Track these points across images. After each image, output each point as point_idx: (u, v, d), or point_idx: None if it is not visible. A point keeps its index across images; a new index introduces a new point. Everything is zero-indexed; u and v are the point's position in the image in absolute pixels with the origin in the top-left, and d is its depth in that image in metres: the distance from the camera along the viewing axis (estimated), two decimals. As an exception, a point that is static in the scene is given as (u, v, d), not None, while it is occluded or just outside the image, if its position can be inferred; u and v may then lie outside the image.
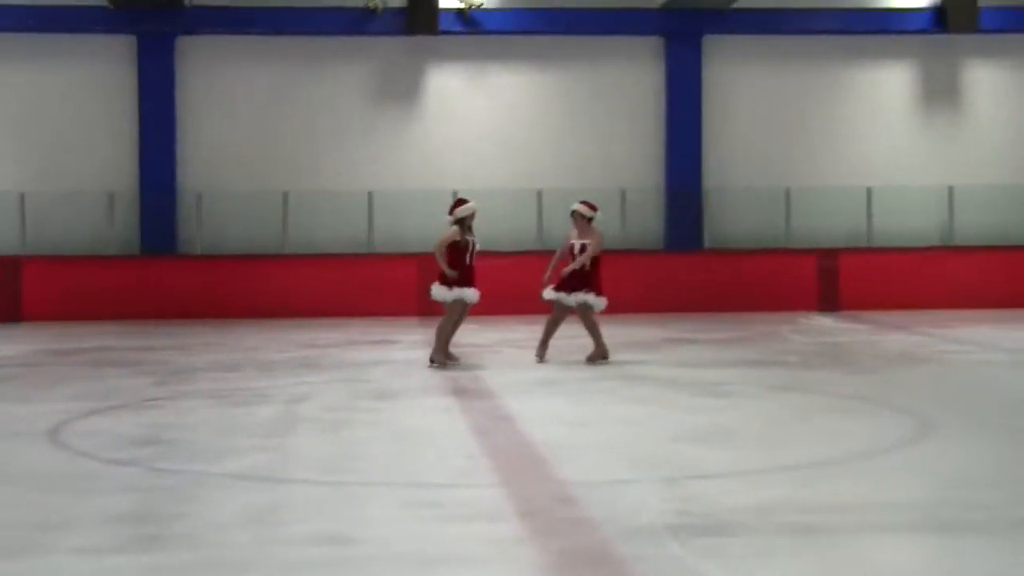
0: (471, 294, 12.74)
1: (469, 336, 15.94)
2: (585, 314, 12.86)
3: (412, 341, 15.61)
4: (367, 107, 21.45)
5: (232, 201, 20.90)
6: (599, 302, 12.88)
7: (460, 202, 12.87)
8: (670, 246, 21.38)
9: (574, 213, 13.04)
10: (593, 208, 13.02)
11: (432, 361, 12.77)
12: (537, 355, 13.09)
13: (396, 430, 9.12)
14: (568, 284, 12.87)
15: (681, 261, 20.73)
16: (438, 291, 12.69)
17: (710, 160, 21.71)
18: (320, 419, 9.56)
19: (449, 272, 12.56)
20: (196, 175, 21.04)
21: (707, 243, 21.43)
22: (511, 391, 11.05)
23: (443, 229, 12.79)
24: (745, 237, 21.50)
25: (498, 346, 14.61)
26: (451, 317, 12.74)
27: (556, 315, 13.05)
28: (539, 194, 20.81)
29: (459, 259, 12.64)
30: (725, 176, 21.75)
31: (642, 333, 16.55)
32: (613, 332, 16.44)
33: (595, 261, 12.88)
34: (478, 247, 12.89)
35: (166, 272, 20.02)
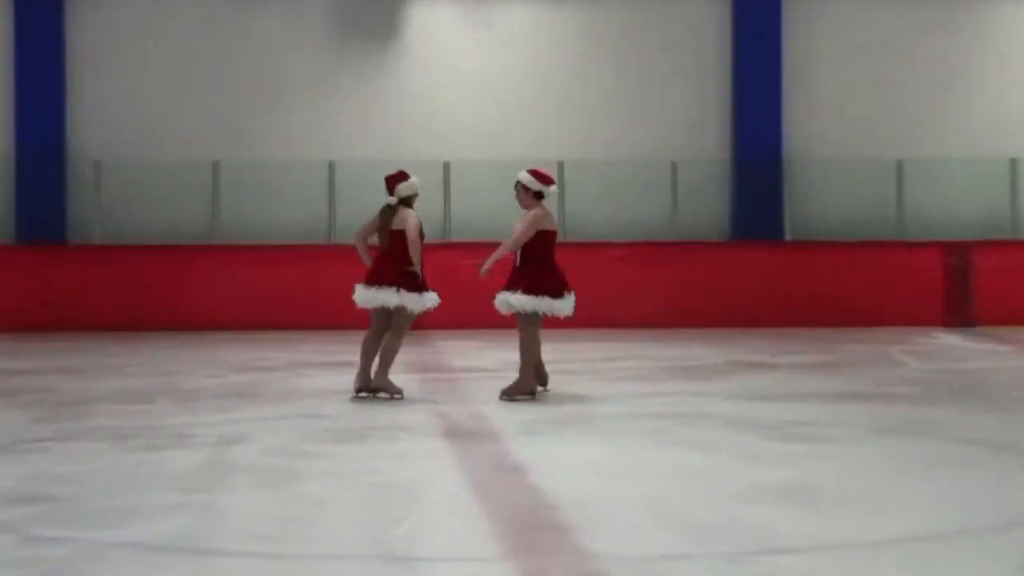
0: (434, 299, 12.78)
1: (466, 358, 15.90)
2: (523, 324, 12.52)
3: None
4: (328, 51, 21.50)
5: (142, 172, 20.95)
6: (544, 305, 12.42)
7: (402, 175, 12.84)
8: (738, 236, 21.40)
9: (517, 185, 12.80)
10: (544, 179, 12.72)
11: (374, 392, 12.74)
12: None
13: (363, 483, 9.10)
14: (510, 284, 12.62)
15: (753, 256, 20.74)
16: (400, 297, 12.61)
17: (793, 122, 21.74)
18: (260, 468, 9.55)
19: (417, 271, 12.61)
20: (92, 137, 21.11)
21: (789, 232, 21.46)
22: (522, 432, 11.04)
23: (387, 215, 12.76)
24: (841, 225, 21.52)
25: (504, 370, 14.59)
26: (403, 330, 12.75)
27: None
28: (560, 166, 20.77)
29: (420, 254, 12.70)
30: (813, 143, 21.77)
31: (699, 354, 16.55)
32: (659, 353, 16.47)
33: (535, 250, 12.49)
34: None
35: (52, 266, 20.06)
